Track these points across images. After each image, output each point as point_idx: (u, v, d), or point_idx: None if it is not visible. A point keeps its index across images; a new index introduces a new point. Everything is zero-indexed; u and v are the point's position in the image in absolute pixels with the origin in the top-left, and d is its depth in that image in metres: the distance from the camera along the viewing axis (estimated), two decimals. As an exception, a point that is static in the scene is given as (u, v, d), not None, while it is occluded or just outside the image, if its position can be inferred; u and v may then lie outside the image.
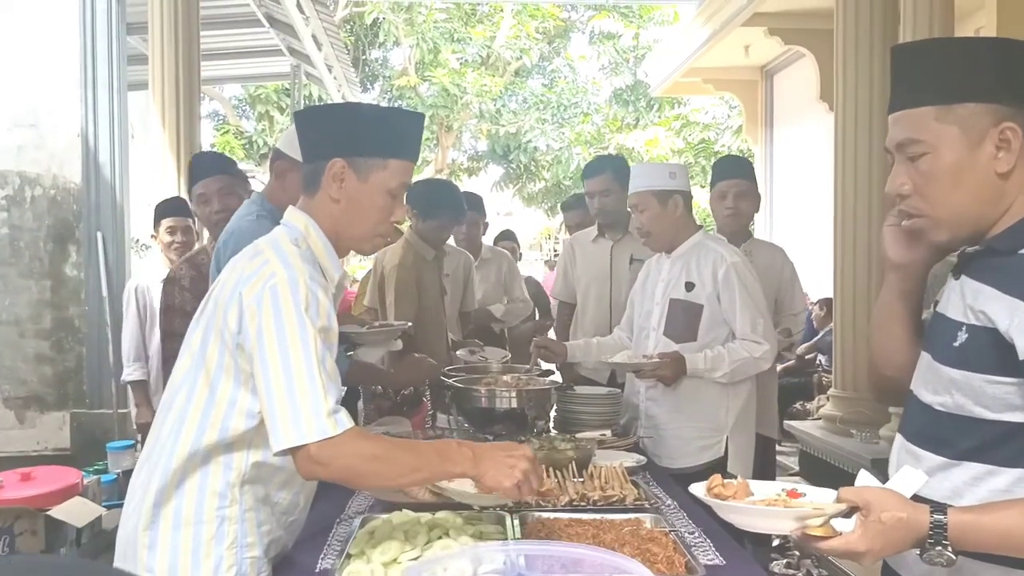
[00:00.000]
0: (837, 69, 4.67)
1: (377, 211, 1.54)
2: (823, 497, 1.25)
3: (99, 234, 4.44)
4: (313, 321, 1.36)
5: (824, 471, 4.47)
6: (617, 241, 3.48)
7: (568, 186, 14.69)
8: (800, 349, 6.21)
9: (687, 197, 2.68)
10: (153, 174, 4.83)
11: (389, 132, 1.54)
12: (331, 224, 1.54)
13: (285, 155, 2.14)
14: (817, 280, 6.09)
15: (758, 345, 2.56)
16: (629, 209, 2.90)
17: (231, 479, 1.43)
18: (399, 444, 1.48)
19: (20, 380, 4.40)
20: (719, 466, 2.58)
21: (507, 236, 5.72)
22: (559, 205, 6.07)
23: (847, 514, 1.14)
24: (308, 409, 1.32)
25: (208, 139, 13.78)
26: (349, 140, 1.52)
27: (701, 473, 2.52)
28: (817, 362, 6.57)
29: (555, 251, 21.87)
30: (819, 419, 5.04)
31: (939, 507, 1.09)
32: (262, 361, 1.35)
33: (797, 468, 5.30)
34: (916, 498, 1.13)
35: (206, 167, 2.86)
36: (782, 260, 3.30)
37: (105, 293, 4.35)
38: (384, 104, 14.00)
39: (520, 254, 6.34)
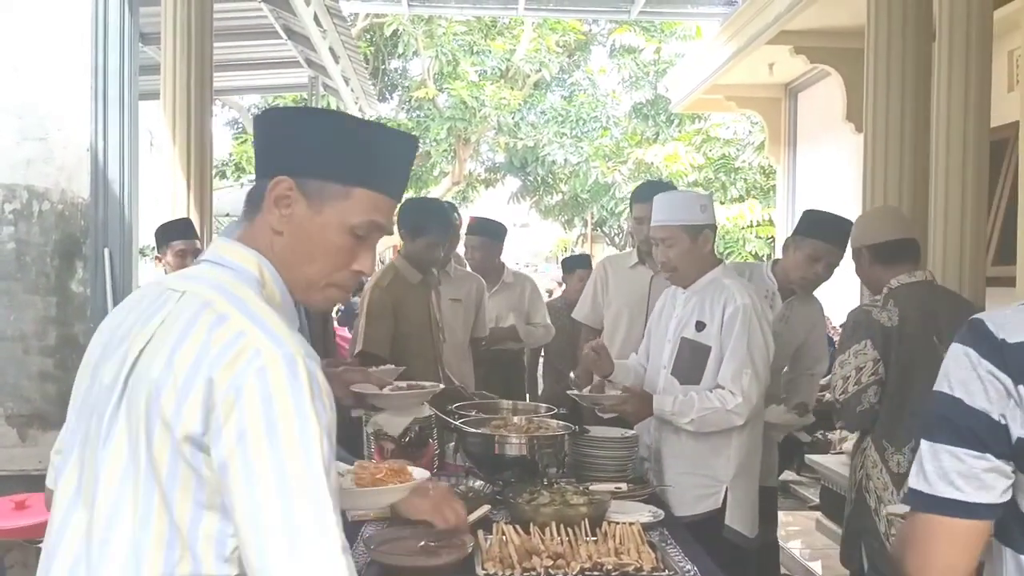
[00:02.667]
0: (867, 90, 4.52)
1: (330, 253, 1.16)
2: None
3: (106, 250, 4.36)
4: (320, 418, 1.00)
5: (843, 505, 4.29)
6: (658, 272, 3.35)
7: (585, 199, 14.57)
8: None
9: (715, 231, 2.57)
10: (163, 187, 4.77)
11: (358, 151, 1.16)
12: (270, 260, 1.16)
13: None
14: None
15: (732, 396, 2.41)
16: (652, 241, 2.76)
17: None
18: None
19: (23, 398, 4.31)
20: (717, 517, 2.46)
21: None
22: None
23: None
24: (313, 548, 0.96)
25: (226, 148, 13.80)
26: (300, 153, 1.15)
27: (700, 523, 2.41)
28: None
29: (572, 264, 21.77)
30: (841, 453, 4.87)
31: None
32: (246, 477, 0.97)
33: (817, 501, 5.14)
34: None
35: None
36: (818, 315, 3.21)
37: (111, 310, 4.26)
38: (403, 116, 14.02)
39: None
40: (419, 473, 1.80)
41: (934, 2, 4.00)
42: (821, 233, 3.01)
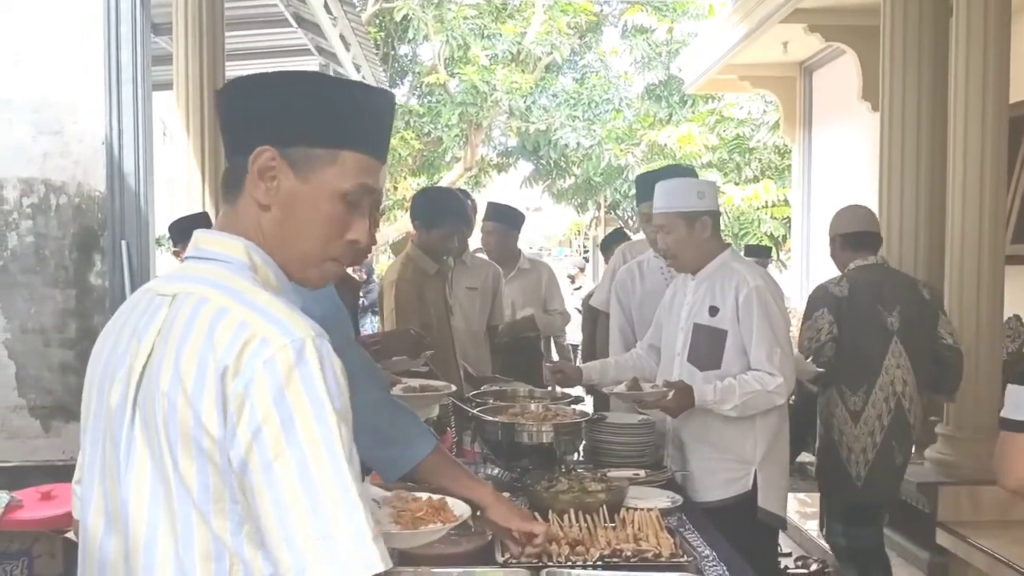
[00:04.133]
0: (883, 68, 4.47)
1: (324, 223, 1.09)
2: None
3: (123, 243, 4.40)
4: (334, 403, 0.95)
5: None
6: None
7: (599, 183, 14.50)
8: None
9: (715, 217, 2.56)
10: (178, 177, 4.80)
11: (340, 111, 1.09)
12: (261, 242, 1.09)
13: None
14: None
15: (771, 377, 2.40)
16: (653, 228, 2.76)
17: None
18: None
19: (45, 389, 4.37)
20: (748, 500, 2.46)
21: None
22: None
23: None
24: (345, 536, 0.92)
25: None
26: (279, 121, 1.08)
27: (729, 507, 2.42)
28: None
29: (584, 247, 21.70)
30: (860, 434, 4.85)
31: None
32: (266, 475, 0.93)
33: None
34: None
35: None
36: None
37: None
38: (414, 101, 13.96)
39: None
40: (460, 509, 1.62)
41: (951, -22, 3.94)
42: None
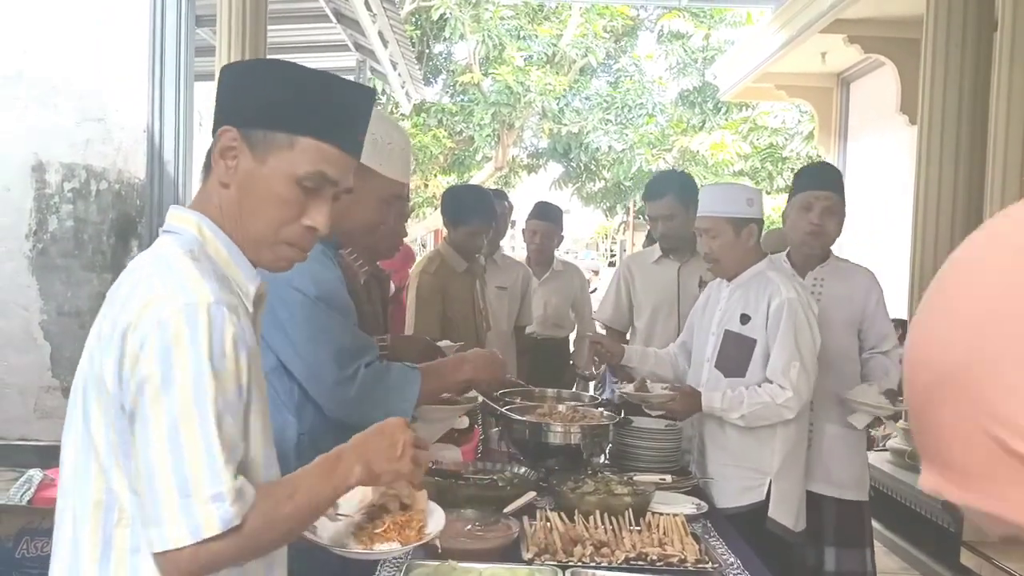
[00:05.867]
0: (923, 81, 4.42)
1: (275, 205, 1.13)
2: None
3: (160, 230, 4.47)
4: (215, 365, 1.01)
5: (891, 507, 4.25)
6: (684, 263, 3.31)
7: (628, 187, 14.46)
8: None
9: (761, 225, 2.55)
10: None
11: (303, 99, 1.13)
12: (218, 218, 1.15)
13: None
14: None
15: (782, 391, 2.38)
16: (696, 231, 2.75)
17: None
18: (275, 503, 1.08)
19: (79, 371, 4.46)
20: (761, 510, 2.46)
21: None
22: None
23: None
24: (204, 497, 0.99)
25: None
26: (246, 104, 1.14)
27: (743, 516, 2.41)
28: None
29: (611, 251, 21.65)
30: (885, 450, 4.80)
31: None
32: (142, 427, 1.00)
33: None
34: None
35: None
36: (867, 286, 2.86)
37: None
38: (447, 100, 14.00)
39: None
40: (435, 524, 1.41)
41: (997, -9, 3.89)
42: (800, 183, 2.87)
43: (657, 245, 3.41)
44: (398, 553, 1.44)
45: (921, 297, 0.52)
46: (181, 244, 1.11)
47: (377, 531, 1.36)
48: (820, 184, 2.79)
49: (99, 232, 4.50)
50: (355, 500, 1.37)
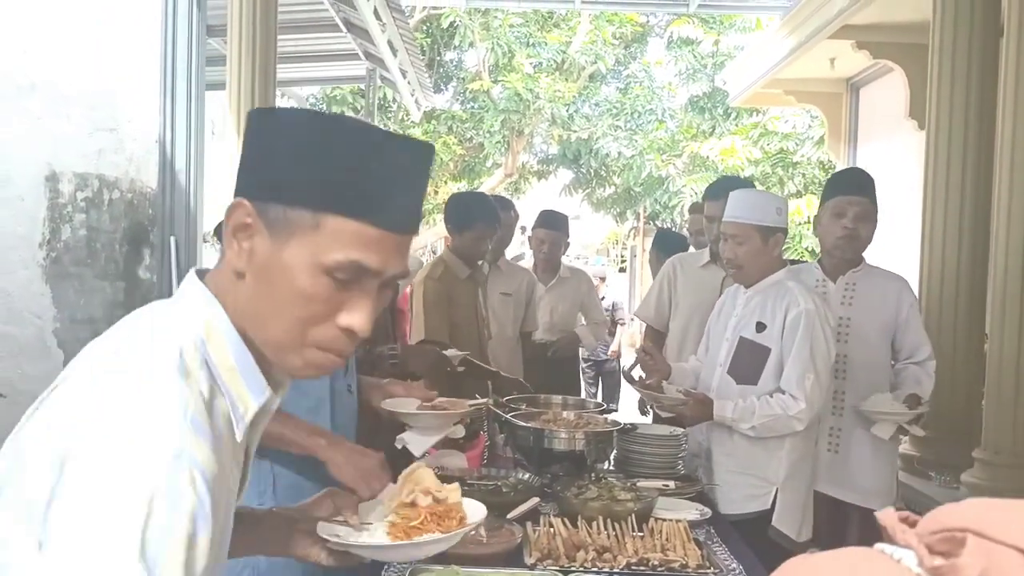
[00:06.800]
0: (931, 86, 4.42)
1: (299, 302, 0.87)
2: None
3: (172, 239, 4.52)
4: (144, 548, 0.73)
5: (900, 514, 4.23)
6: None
7: (638, 193, 14.46)
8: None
9: (785, 235, 2.56)
10: (228, 176, 4.90)
11: (329, 163, 0.85)
12: (233, 314, 0.89)
13: None
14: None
15: (794, 401, 2.39)
16: (722, 236, 2.73)
17: None
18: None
19: (92, 378, 4.51)
20: (765, 518, 2.46)
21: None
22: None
23: None
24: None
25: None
26: (263, 169, 0.88)
27: (747, 523, 2.42)
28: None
29: (622, 257, 21.62)
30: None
31: None
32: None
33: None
34: None
35: None
36: (900, 292, 2.85)
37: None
38: (457, 107, 14.07)
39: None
40: (474, 513, 1.38)
41: (1003, -3, 3.90)
42: (833, 188, 2.88)
43: (706, 250, 3.43)
44: (442, 544, 1.31)
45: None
46: (177, 347, 0.85)
47: (412, 525, 1.29)
48: (853, 189, 2.83)
49: (112, 241, 4.55)
50: (378, 509, 1.33)
